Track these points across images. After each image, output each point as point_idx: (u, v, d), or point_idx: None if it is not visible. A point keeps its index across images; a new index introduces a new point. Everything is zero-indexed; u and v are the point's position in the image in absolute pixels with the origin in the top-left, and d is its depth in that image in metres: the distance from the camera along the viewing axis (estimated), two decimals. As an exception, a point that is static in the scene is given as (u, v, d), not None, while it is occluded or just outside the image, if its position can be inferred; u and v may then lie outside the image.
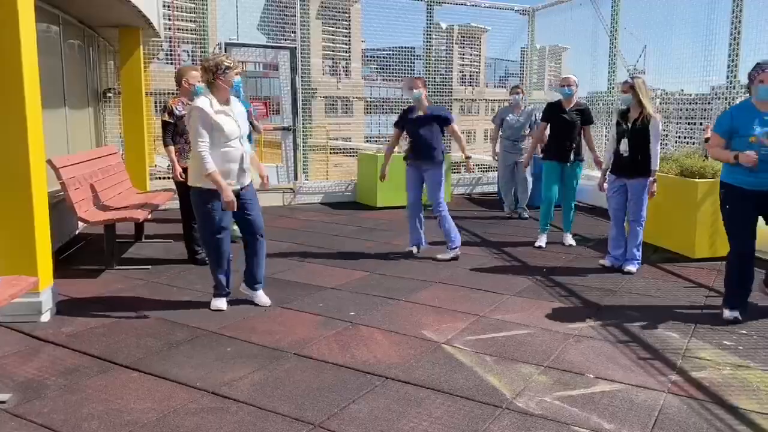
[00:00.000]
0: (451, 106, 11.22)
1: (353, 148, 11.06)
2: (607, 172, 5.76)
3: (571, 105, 6.65)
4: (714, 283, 5.28)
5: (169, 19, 9.29)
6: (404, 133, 6.25)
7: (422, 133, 6.01)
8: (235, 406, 3.07)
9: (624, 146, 5.47)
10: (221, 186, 4.20)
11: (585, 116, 6.68)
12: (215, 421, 2.92)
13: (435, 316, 4.45)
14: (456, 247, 6.13)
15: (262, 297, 4.65)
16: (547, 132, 6.84)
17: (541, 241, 6.80)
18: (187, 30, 9.54)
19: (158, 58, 9.39)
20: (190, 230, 5.80)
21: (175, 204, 8.23)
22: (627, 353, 3.78)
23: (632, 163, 5.45)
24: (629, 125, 5.47)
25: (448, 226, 6.11)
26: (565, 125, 6.61)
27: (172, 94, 8.97)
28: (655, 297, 4.95)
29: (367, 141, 12.82)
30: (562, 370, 3.53)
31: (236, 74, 4.28)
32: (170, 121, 5.64)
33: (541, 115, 7.08)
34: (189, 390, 3.25)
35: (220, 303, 4.54)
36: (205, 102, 4.22)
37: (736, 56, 6.94)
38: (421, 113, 6.08)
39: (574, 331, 4.15)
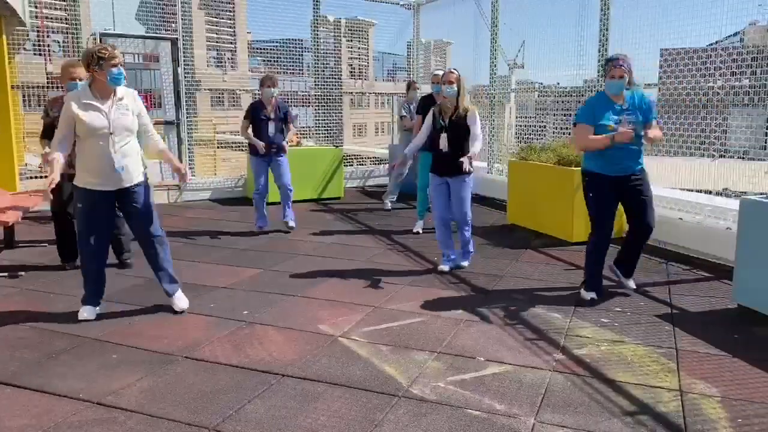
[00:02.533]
0: (341, 99, 11.23)
1: (242, 142, 10.80)
2: (430, 173, 5.51)
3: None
4: (591, 265, 5.63)
5: (36, 7, 8.63)
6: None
7: (273, 128, 6.86)
8: (123, 416, 2.92)
9: (443, 142, 5.24)
10: (49, 170, 3.94)
11: None
12: (101, 433, 2.77)
13: (331, 309, 4.45)
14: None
15: (175, 301, 4.40)
16: None
17: (419, 227, 7.10)
18: (57, 19, 8.91)
19: (25, 49, 8.72)
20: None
21: (49, 206, 7.73)
22: (514, 335, 3.95)
23: (453, 160, 5.14)
24: (447, 121, 5.24)
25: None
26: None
27: (43, 87, 8.40)
28: (538, 280, 5.20)
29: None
30: (454, 355, 3.64)
31: (113, 65, 3.95)
32: (45, 121, 5.30)
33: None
34: (71, 402, 3.06)
35: (85, 311, 4.24)
36: (73, 94, 4.05)
37: (605, 51, 7.40)
38: (270, 109, 6.87)
39: (465, 316, 4.29)
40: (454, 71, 5.20)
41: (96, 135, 3.99)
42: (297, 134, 9.63)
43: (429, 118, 5.37)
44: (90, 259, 4.23)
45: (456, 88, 5.15)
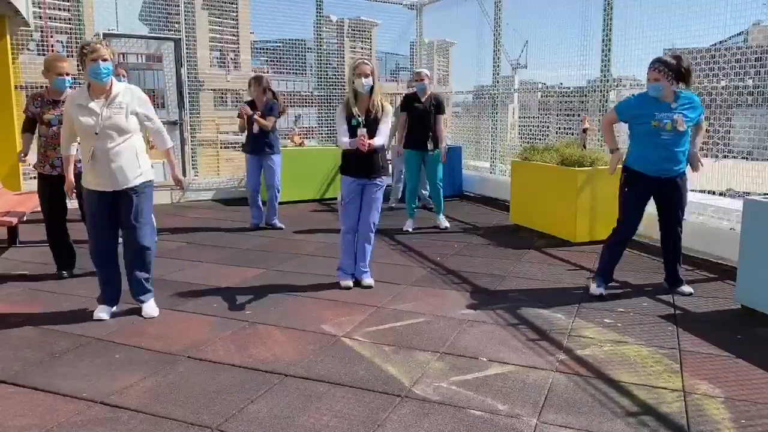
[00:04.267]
0: (344, 99, 11.22)
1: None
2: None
3: (426, 96, 7.08)
4: (594, 265, 5.62)
5: (40, 7, 8.65)
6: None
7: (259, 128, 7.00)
8: (126, 415, 2.93)
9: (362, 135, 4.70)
10: (66, 169, 4.10)
11: (439, 106, 7.11)
12: (105, 432, 2.77)
13: (334, 309, 4.45)
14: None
15: (146, 308, 4.29)
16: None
17: (408, 225, 7.19)
18: (60, 19, 8.93)
19: (29, 49, 8.74)
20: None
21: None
22: (517, 336, 3.95)
23: (371, 160, 4.79)
24: (362, 117, 4.73)
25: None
26: (421, 116, 7.03)
27: (47, 87, 8.40)
28: (541, 281, 5.20)
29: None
30: (457, 355, 3.64)
31: (92, 60, 3.83)
32: (28, 115, 5.11)
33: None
34: (75, 401, 3.06)
35: (100, 312, 4.23)
36: (71, 95, 4.05)
37: (609, 51, 7.39)
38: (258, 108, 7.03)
39: (468, 316, 4.29)
40: (369, 63, 4.73)
41: (87, 135, 3.96)
42: (299, 135, 9.69)
43: (341, 114, 4.82)
44: (98, 259, 4.21)
45: (372, 82, 4.70)
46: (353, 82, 4.74)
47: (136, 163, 4.08)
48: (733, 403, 3.06)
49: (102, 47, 3.89)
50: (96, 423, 2.86)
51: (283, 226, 7.32)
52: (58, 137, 4.74)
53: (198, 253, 6.13)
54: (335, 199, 9.42)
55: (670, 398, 3.11)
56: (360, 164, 4.80)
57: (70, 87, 5.06)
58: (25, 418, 2.90)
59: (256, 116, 6.96)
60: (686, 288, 4.79)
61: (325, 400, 3.08)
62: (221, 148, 10.79)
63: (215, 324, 4.16)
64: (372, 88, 4.74)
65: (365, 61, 4.76)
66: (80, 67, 3.97)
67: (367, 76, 4.67)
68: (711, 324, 4.17)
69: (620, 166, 4.71)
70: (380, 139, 4.78)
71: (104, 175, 4.00)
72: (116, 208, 4.14)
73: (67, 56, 8.45)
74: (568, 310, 4.44)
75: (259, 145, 7.09)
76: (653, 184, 4.60)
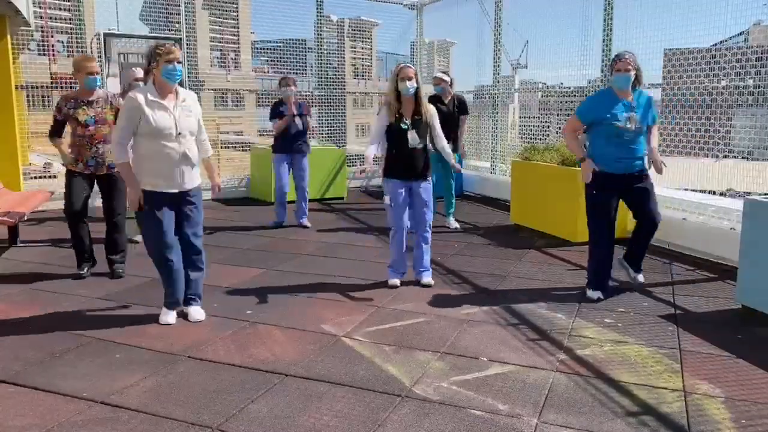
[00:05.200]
0: (344, 99, 11.24)
1: (246, 143, 10.83)
2: (385, 179, 4.93)
3: (449, 98, 7.18)
4: (594, 265, 5.62)
5: (40, 7, 8.66)
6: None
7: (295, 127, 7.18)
8: (127, 415, 2.93)
9: (414, 138, 4.77)
10: (129, 180, 3.96)
11: (463, 107, 7.27)
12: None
13: (334, 309, 4.45)
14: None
15: (194, 312, 4.24)
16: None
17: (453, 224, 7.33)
18: (60, 19, 8.94)
19: (29, 49, 8.75)
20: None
21: (53, 205, 7.74)
22: (518, 335, 3.95)
23: (424, 161, 4.88)
24: (409, 121, 4.80)
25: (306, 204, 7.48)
26: (445, 118, 6.99)
27: (47, 87, 8.42)
28: (541, 280, 5.20)
29: (261, 135, 12.57)
30: (457, 355, 3.64)
31: (167, 61, 3.85)
32: (58, 118, 5.06)
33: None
34: (75, 401, 3.06)
35: (167, 316, 4.15)
36: (139, 92, 3.94)
37: (609, 51, 7.39)
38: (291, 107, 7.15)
39: (468, 316, 4.29)
40: (411, 66, 4.80)
41: (162, 135, 3.91)
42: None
43: (383, 120, 4.84)
44: (163, 260, 4.09)
45: (416, 84, 4.77)
46: (396, 87, 4.76)
47: (198, 166, 4.21)
48: (733, 403, 3.06)
49: (178, 50, 3.97)
50: (96, 423, 2.86)
51: (309, 225, 7.39)
52: (93, 137, 5.01)
53: (198, 252, 6.12)
54: (336, 198, 9.44)
55: (671, 398, 3.11)
56: (405, 166, 4.85)
57: (99, 86, 5.13)
58: (25, 418, 2.90)
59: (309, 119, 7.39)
60: (641, 277, 4.82)
61: (326, 400, 3.08)
62: (222, 148, 10.80)
63: (215, 324, 4.16)
64: (417, 90, 4.78)
65: (408, 64, 4.81)
66: (149, 68, 3.97)
67: (410, 79, 4.72)
68: (711, 324, 4.17)
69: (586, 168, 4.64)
70: (443, 141, 5.01)
71: (174, 176, 4.01)
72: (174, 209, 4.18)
73: (68, 56, 8.49)
74: (569, 310, 4.44)
75: (294, 144, 7.22)
76: (619, 182, 4.54)
